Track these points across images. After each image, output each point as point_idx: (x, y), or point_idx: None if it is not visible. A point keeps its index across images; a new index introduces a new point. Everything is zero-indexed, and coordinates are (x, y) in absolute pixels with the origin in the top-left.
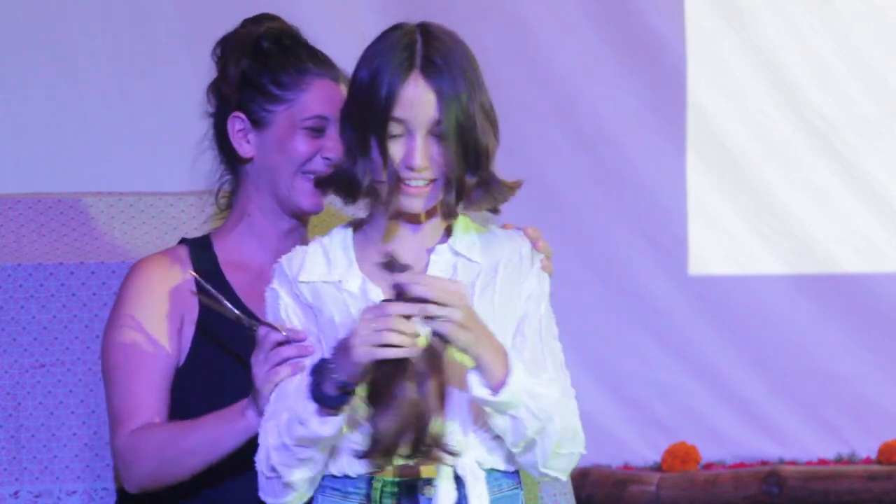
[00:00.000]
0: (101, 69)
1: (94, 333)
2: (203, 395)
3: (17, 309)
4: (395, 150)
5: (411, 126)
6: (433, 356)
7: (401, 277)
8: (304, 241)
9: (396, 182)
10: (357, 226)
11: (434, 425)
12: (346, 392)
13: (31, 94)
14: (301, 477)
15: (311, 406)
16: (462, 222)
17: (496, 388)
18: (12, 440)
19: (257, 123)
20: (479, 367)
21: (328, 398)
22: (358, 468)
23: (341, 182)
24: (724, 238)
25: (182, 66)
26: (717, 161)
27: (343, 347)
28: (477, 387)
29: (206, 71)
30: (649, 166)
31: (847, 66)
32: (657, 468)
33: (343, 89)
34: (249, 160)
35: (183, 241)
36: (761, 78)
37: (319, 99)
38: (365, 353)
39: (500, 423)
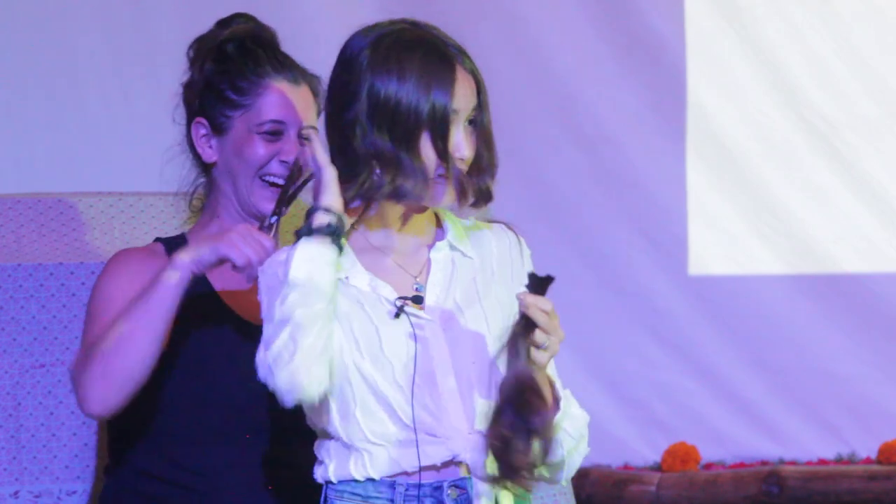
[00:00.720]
0: (101, 69)
1: None
2: (182, 394)
3: (17, 309)
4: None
5: (460, 116)
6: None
7: (528, 301)
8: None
9: (461, 174)
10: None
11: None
12: (338, 219)
13: (31, 94)
14: (308, 314)
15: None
16: (449, 216)
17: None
18: (12, 440)
19: (217, 129)
20: None
21: (322, 227)
22: (383, 470)
23: (386, 192)
24: (724, 238)
25: (182, 67)
26: (717, 161)
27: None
28: None
29: None
30: (649, 166)
31: (847, 66)
32: (657, 468)
33: (304, 89)
34: (214, 164)
35: (158, 240)
36: (761, 78)
37: (275, 104)
38: None
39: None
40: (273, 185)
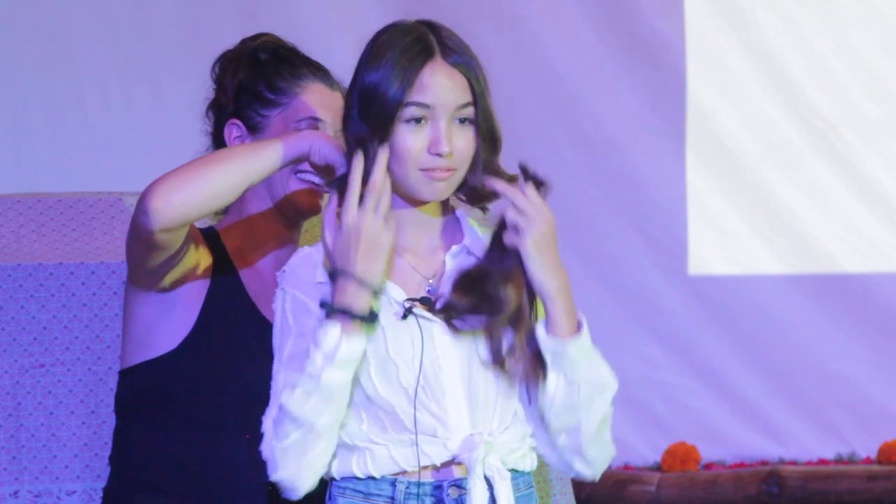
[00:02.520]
0: (101, 70)
1: (93, 333)
2: (202, 377)
3: (17, 309)
4: (420, 137)
5: (437, 112)
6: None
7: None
8: (297, 245)
9: (423, 168)
10: None
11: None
12: (375, 293)
13: (32, 94)
14: (328, 422)
15: (331, 326)
16: (470, 220)
17: (568, 337)
18: (12, 440)
19: (253, 129)
20: (549, 304)
21: (364, 316)
22: (384, 469)
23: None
24: (724, 238)
25: (182, 67)
26: (717, 161)
27: (349, 248)
28: (544, 336)
29: (207, 71)
30: (649, 166)
31: (847, 66)
32: (657, 468)
33: (338, 96)
34: None
35: None
36: (761, 78)
37: (313, 102)
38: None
39: (552, 386)
40: (311, 183)
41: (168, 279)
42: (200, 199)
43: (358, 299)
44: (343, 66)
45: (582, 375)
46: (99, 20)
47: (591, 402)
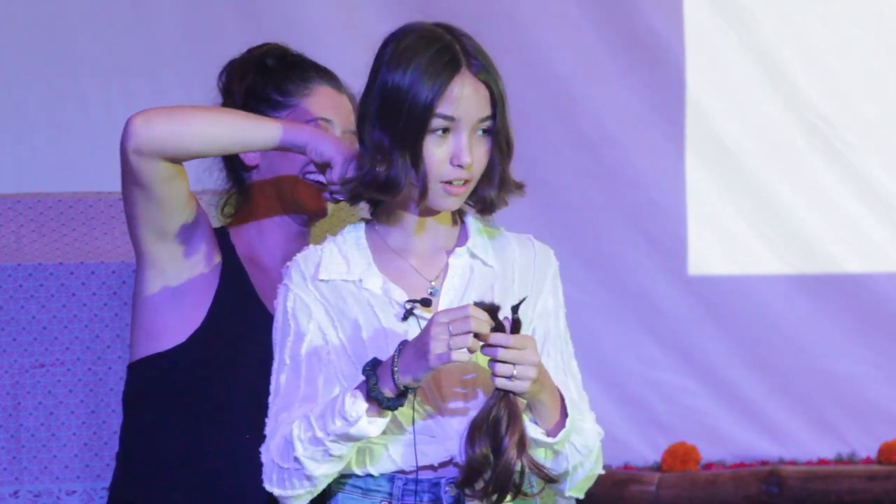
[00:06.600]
0: (101, 69)
1: (93, 333)
2: (208, 379)
3: (17, 309)
4: (442, 148)
5: (461, 124)
6: (511, 408)
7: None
8: (308, 244)
9: (442, 181)
10: (368, 225)
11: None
12: (404, 395)
13: (32, 94)
14: (325, 472)
15: (363, 405)
16: (473, 223)
17: (552, 432)
18: (12, 440)
19: None
20: (537, 410)
21: (386, 399)
22: (382, 468)
23: (377, 185)
24: (724, 238)
25: (183, 66)
26: (717, 161)
27: (413, 349)
28: (532, 428)
29: (207, 70)
30: (649, 166)
31: (847, 66)
32: (657, 468)
33: (346, 98)
34: (254, 167)
35: None
36: (761, 78)
37: (322, 103)
38: (439, 356)
39: (541, 455)
40: (316, 182)
41: (170, 253)
42: (182, 135)
43: (393, 394)
44: (342, 65)
45: (568, 448)
46: (99, 20)
47: (578, 465)
